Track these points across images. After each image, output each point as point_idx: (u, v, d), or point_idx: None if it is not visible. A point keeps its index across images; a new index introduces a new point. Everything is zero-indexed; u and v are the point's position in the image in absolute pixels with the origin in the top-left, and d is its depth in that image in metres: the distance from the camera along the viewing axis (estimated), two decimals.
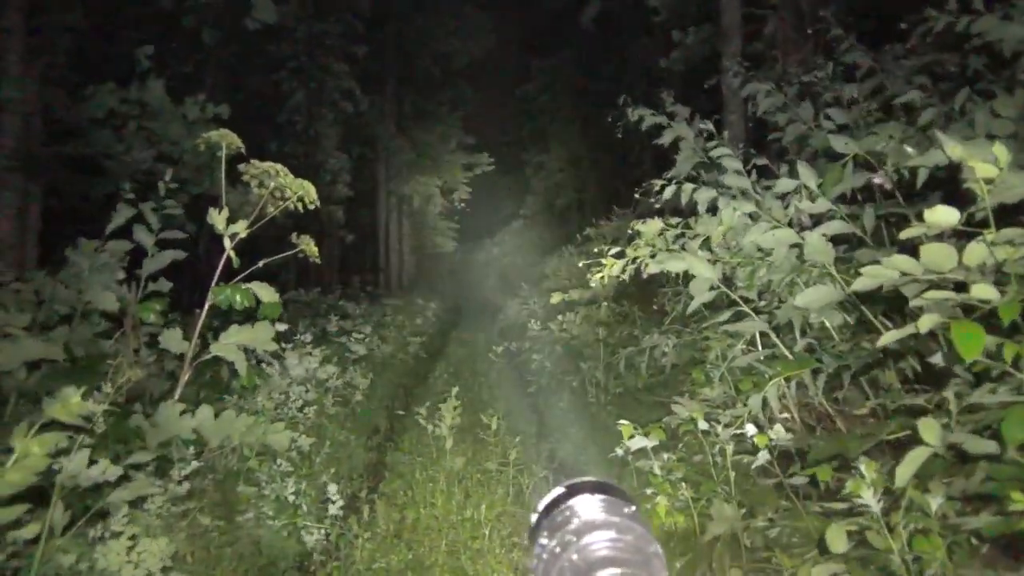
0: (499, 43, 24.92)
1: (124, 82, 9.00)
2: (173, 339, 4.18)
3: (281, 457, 4.18)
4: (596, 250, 5.14)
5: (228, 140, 4.19)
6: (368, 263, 25.39)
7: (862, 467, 1.84)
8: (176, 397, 3.91)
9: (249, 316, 4.38)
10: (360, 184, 24.19)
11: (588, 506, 0.51)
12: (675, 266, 3.96)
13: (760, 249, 3.98)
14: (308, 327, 8.52)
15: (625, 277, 4.64)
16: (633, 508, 0.52)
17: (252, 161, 4.24)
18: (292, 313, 9.82)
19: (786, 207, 3.92)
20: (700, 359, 5.00)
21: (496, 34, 24.29)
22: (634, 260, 4.56)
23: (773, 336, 3.68)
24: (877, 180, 3.51)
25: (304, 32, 14.21)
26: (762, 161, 5.02)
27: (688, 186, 4.32)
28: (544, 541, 0.50)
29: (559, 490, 0.54)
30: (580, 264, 4.99)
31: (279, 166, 4.30)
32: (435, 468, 4.67)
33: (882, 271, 2.00)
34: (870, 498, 1.80)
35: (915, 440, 1.85)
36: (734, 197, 4.13)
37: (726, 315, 3.92)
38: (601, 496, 0.53)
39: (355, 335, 8.15)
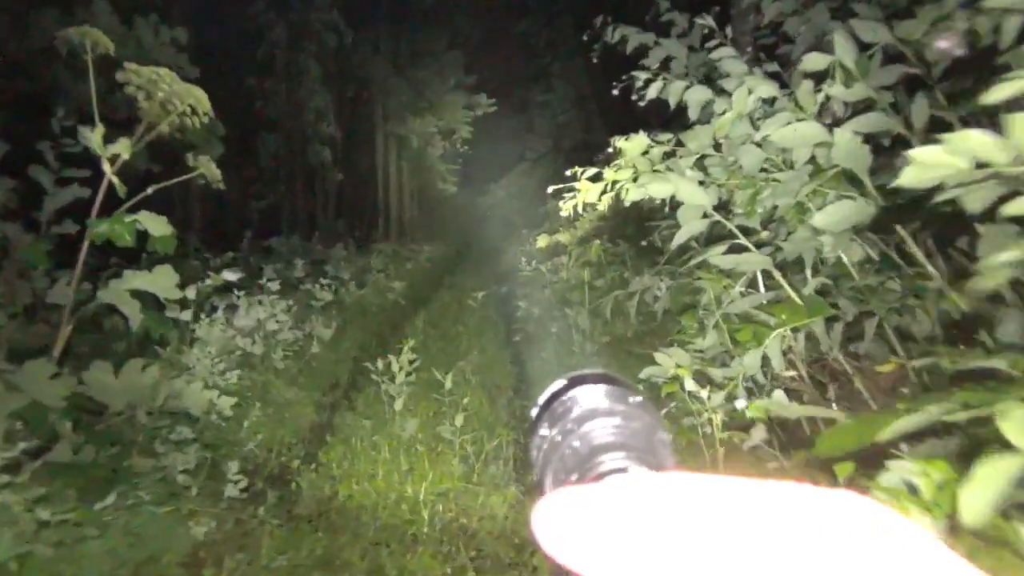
0: None
1: (69, 7, 8.12)
2: (60, 289, 3.51)
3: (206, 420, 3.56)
4: (568, 173, 4.40)
5: (93, 38, 3.41)
6: (367, 208, 24.60)
7: (917, 482, 1.15)
8: (55, 354, 3.26)
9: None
10: (356, 125, 23.26)
11: (591, 395, 0.46)
12: (659, 190, 3.21)
13: (764, 169, 3.23)
14: (279, 273, 7.88)
15: (602, 206, 3.91)
16: (639, 398, 0.46)
17: (130, 66, 3.47)
18: (259, 259, 9.15)
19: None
20: (694, 304, 4.29)
21: None
22: (612, 185, 3.82)
23: (778, 275, 2.96)
24: (943, 44, 2.69)
25: None
26: (772, 67, 4.21)
27: (678, 83, 3.53)
28: (544, 432, 0.46)
29: (560, 382, 0.48)
30: (549, 191, 4.22)
31: (163, 70, 3.52)
32: (384, 432, 4.02)
33: (944, 158, 1.26)
34: (927, 525, 1.11)
35: (987, 435, 1.16)
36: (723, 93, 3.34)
37: (719, 249, 3.19)
38: (605, 386, 0.47)
39: (322, 281, 7.45)
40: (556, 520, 0.31)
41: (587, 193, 3.76)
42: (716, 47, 3.88)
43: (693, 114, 3.60)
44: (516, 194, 30.48)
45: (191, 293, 4.76)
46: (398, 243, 18.05)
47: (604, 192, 3.73)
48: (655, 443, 0.45)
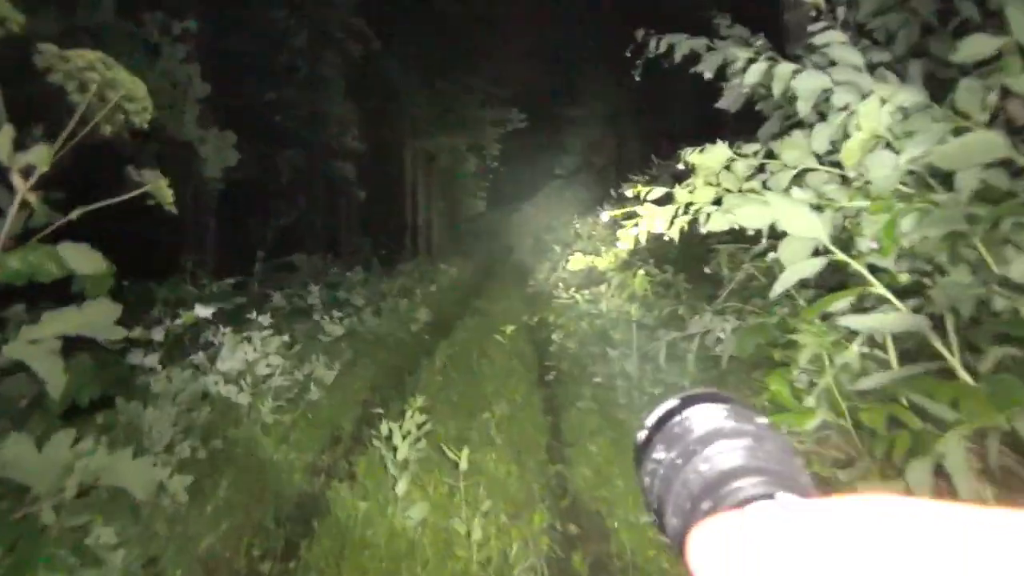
0: None
1: (71, 3, 7.52)
2: None
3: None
4: (630, 194, 3.54)
5: (3, 14, 2.61)
6: (394, 225, 23.97)
7: None
8: None
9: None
10: (383, 140, 22.67)
11: (712, 415, 0.43)
12: (753, 216, 2.33)
13: (903, 183, 2.34)
14: (288, 299, 7.14)
15: (672, 236, 3.05)
16: (766, 420, 0.42)
17: (49, 48, 2.67)
18: (270, 283, 8.41)
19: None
20: (778, 356, 3.37)
21: None
22: (686, 209, 2.95)
23: (938, 344, 2.05)
24: None
25: None
26: (883, 56, 3.30)
27: (786, 66, 2.67)
28: (659, 455, 0.43)
29: (672, 402, 0.46)
30: (608, 216, 3.36)
31: (98, 54, 2.71)
32: (385, 521, 3.16)
33: None
34: None
35: None
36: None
37: (842, 301, 2.29)
38: (725, 405, 0.44)
39: (333, 313, 6.65)
40: (718, 554, 0.28)
41: (653, 220, 2.90)
42: (822, 30, 3.00)
43: (804, 109, 2.71)
44: (545, 212, 29.74)
45: (158, 334, 3.97)
46: (425, 263, 17.33)
47: (675, 217, 2.86)
48: (795, 467, 0.40)
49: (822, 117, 3.21)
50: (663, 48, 4.45)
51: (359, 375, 5.95)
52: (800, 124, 3.41)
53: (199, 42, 12.19)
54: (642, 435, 0.46)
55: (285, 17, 12.79)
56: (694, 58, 4.10)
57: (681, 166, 3.08)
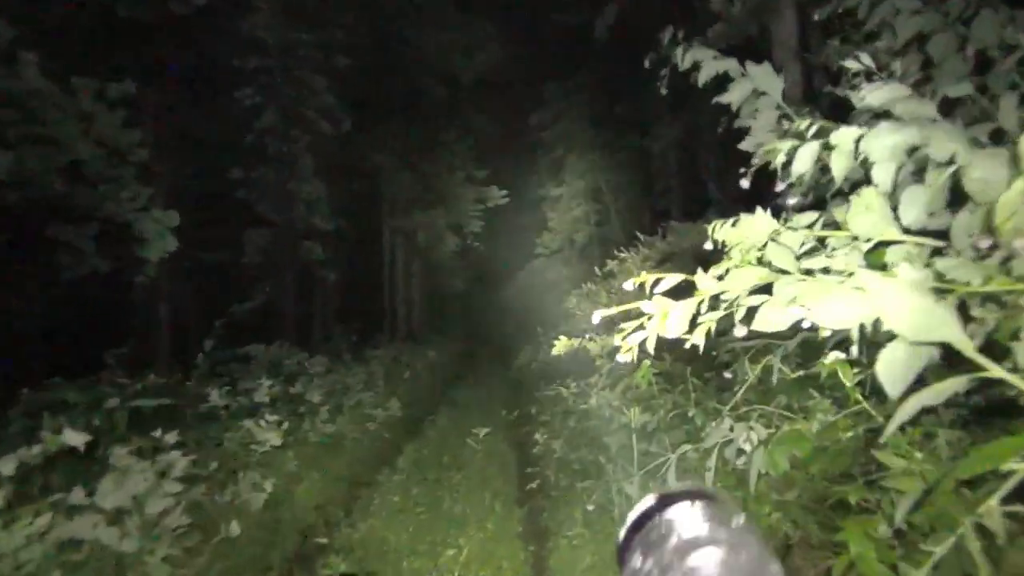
0: (507, 60, 22.64)
1: None
2: None
3: None
4: (630, 284, 2.64)
5: None
6: (372, 308, 23.06)
7: None
8: None
9: None
10: (359, 219, 22.02)
11: (688, 518, 0.43)
12: (840, 310, 1.48)
13: None
14: (228, 397, 6.15)
15: (696, 339, 2.17)
16: (742, 518, 0.43)
17: None
18: (210, 379, 7.40)
19: None
20: (854, 495, 2.46)
21: (504, 49, 22.06)
22: (714, 302, 2.07)
23: None
24: None
25: (276, 41, 12.11)
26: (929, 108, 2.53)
27: (847, 131, 1.85)
28: (637, 564, 0.42)
29: (649, 500, 0.46)
30: (602, 313, 2.44)
31: None
32: None
33: None
34: None
35: None
36: None
37: (1010, 445, 1.42)
38: (703, 504, 0.44)
39: (266, 417, 5.62)
40: None
41: (665, 320, 2.04)
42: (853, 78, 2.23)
43: (884, 177, 1.88)
44: (527, 291, 29.06)
45: (8, 467, 2.99)
46: (402, 346, 16.36)
47: (698, 316, 1.99)
48: None
49: (854, 187, 2.41)
50: (688, 63, 3.73)
51: (300, 494, 4.91)
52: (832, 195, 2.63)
53: (158, 116, 11.59)
54: (620, 536, 0.45)
55: (251, 94, 12.22)
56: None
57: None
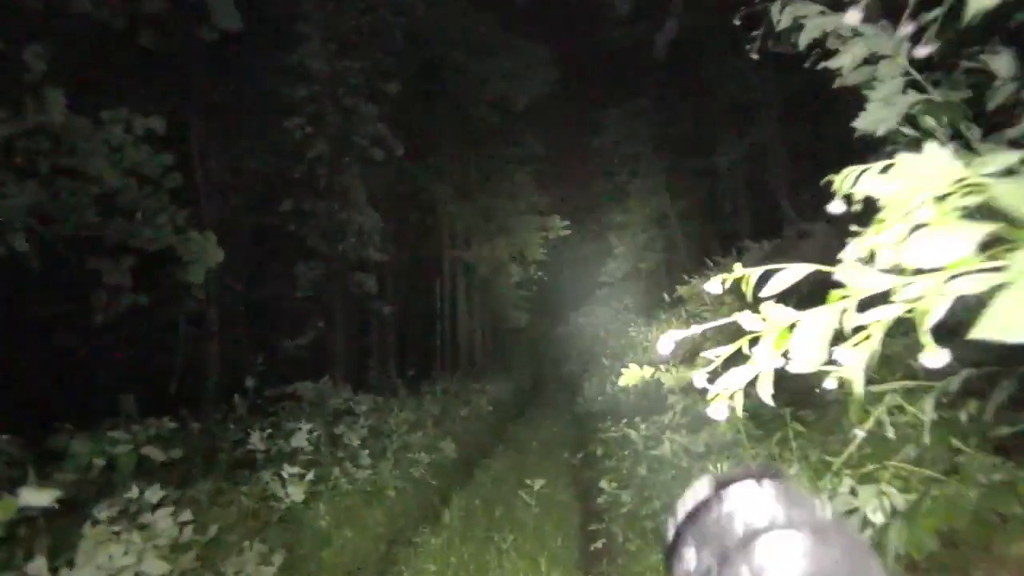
0: (563, 83, 22.01)
1: (18, 101, 6.53)
2: None
3: None
4: (715, 282, 1.85)
5: None
6: (430, 342, 22.59)
7: None
8: None
9: None
10: (417, 251, 21.68)
11: (756, 500, 0.33)
12: None
13: None
14: (267, 442, 5.57)
15: (851, 367, 1.38)
16: (828, 508, 0.33)
17: None
18: (246, 418, 6.86)
19: None
20: None
21: (559, 72, 21.48)
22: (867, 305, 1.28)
23: None
24: None
25: (324, 69, 11.86)
26: None
27: None
28: (690, 562, 0.33)
29: (704, 486, 0.36)
30: (674, 337, 1.59)
31: None
32: None
33: None
34: None
35: None
36: None
37: None
38: (773, 484, 0.34)
39: (287, 469, 4.96)
40: None
41: (786, 345, 1.26)
42: None
43: None
44: (593, 321, 28.18)
45: None
46: (460, 382, 15.73)
47: (861, 330, 1.21)
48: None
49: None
50: (787, 22, 3.04)
51: (327, 558, 4.21)
52: None
53: (203, 149, 11.43)
54: (670, 530, 0.37)
55: (301, 124, 11.96)
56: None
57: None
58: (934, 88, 2.94)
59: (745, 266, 1.39)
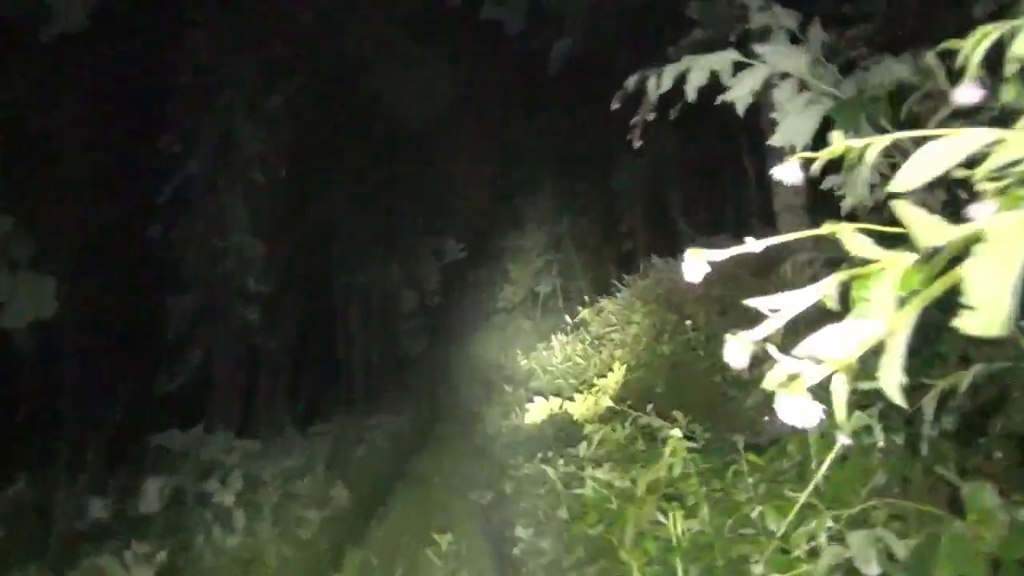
0: (461, 99, 21.38)
1: None
2: None
3: None
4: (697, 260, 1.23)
5: None
6: (323, 374, 21.32)
7: None
8: None
9: None
10: (308, 280, 20.46)
11: None
12: None
13: None
14: (109, 509, 4.59)
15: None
16: None
17: None
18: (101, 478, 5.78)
19: None
20: None
21: (458, 87, 20.87)
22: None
23: None
24: None
25: (196, 80, 10.78)
26: None
27: None
28: None
29: None
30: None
31: None
32: None
33: None
34: None
35: None
36: None
37: None
38: None
39: (136, 544, 4.03)
40: None
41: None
42: None
43: None
44: (494, 347, 27.63)
45: None
46: (355, 416, 14.71)
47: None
48: None
49: None
50: (668, 84, 3.07)
51: None
52: None
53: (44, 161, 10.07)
54: None
55: (175, 141, 10.81)
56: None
57: None
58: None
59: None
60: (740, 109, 3.15)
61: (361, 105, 18.82)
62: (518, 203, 25.63)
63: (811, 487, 2.62)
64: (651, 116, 4.05)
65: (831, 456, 2.63)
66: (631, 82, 3.42)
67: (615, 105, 3.82)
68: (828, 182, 3.31)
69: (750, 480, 2.76)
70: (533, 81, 18.46)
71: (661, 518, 2.94)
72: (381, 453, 11.12)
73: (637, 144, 4.48)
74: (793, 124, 2.89)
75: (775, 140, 3.05)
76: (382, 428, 13.00)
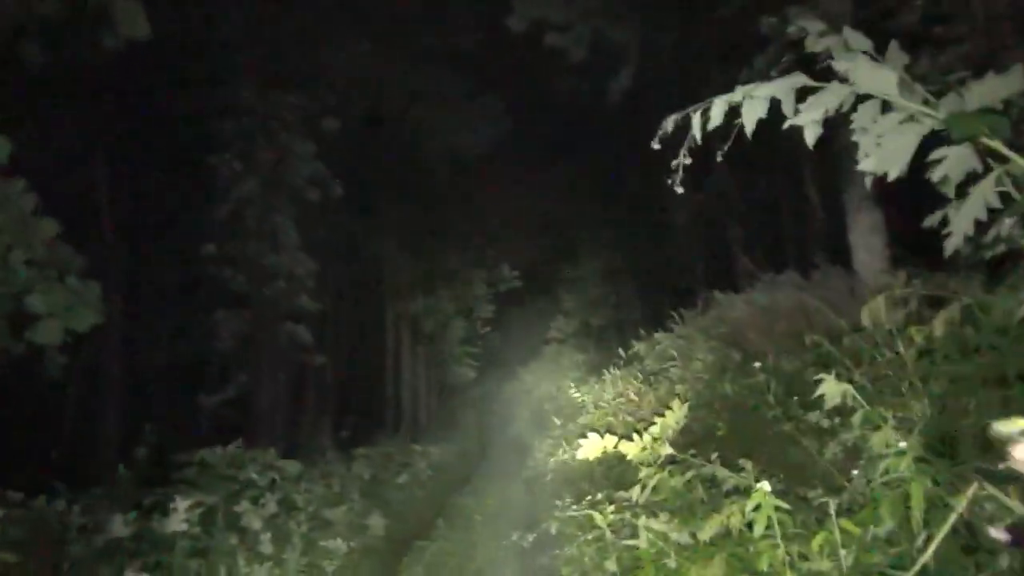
0: (513, 135, 21.30)
1: None
2: None
3: None
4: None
5: None
6: (371, 399, 21.20)
7: None
8: None
9: None
10: (361, 304, 20.49)
11: None
12: None
13: None
14: (134, 526, 4.38)
15: None
16: None
17: None
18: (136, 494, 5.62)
19: None
20: None
21: (510, 124, 20.82)
22: None
23: None
24: None
25: (255, 102, 10.89)
26: None
27: None
28: None
29: None
30: None
31: None
32: None
33: None
34: None
35: None
36: None
37: None
38: None
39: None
40: None
41: None
42: None
43: None
44: (545, 378, 27.17)
45: None
46: (403, 442, 14.47)
47: None
48: None
49: None
50: (718, 118, 2.71)
51: None
52: None
53: (110, 182, 10.23)
54: None
55: (229, 161, 10.89)
56: None
57: None
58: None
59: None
60: (810, 137, 2.76)
61: (417, 134, 18.95)
62: (572, 235, 25.38)
63: (918, 568, 2.18)
64: (687, 160, 3.70)
65: (944, 529, 2.19)
66: (669, 122, 3.02)
67: (655, 145, 3.43)
68: (928, 221, 2.86)
69: (843, 552, 2.31)
70: (586, 117, 18.29)
71: None
72: (425, 482, 10.80)
73: (679, 190, 4.16)
74: (888, 146, 2.47)
75: (866, 165, 2.61)
76: (427, 457, 12.69)
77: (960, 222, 2.34)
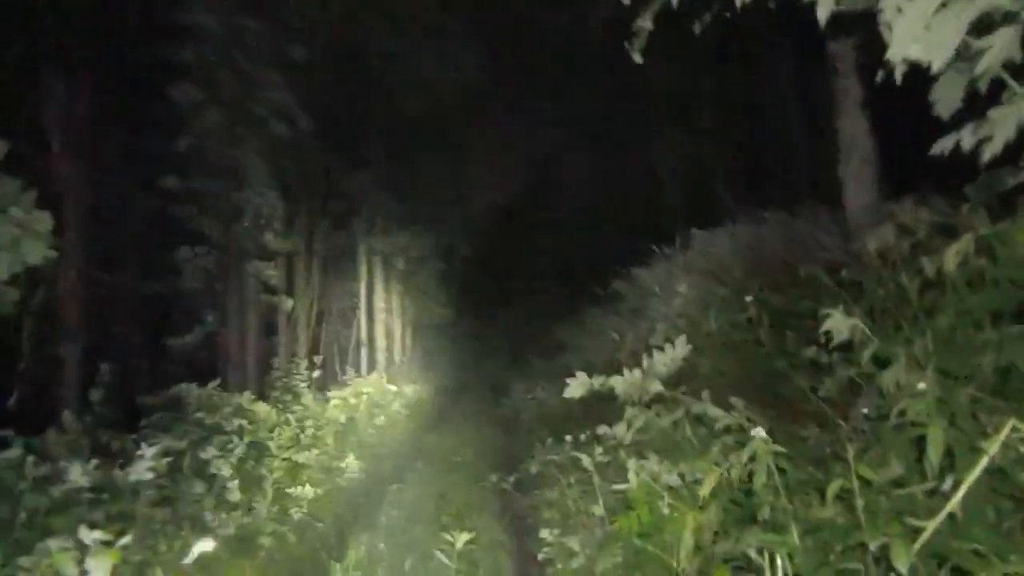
0: (492, 72, 20.55)
1: None
2: None
3: None
4: None
5: None
6: (345, 340, 20.90)
7: None
8: None
9: None
10: (336, 242, 19.99)
11: None
12: None
13: None
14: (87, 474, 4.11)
15: None
16: None
17: None
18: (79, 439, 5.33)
19: None
20: None
21: (487, 54, 20.05)
22: None
23: None
24: None
25: (216, 28, 10.20)
26: None
27: None
28: None
29: None
30: None
31: None
32: None
33: None
34: None
35: None
36: None
37: None
38: None
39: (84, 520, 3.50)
40: None
41: None
42: None
43: None
44: (520, 318, 27.19)
45: None
46: (375, 382, 14.28)
47: None
48: None
49: None
50: None
51: None
52: None
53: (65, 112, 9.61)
54: None
55: (190, 91, 10.21)
56: None
57: None
58: None
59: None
60: (822, 13, 2.45)
61: (391, 65, 18.15)
62: (550, 174, 24.95)
63: (944, 513, 1.98)
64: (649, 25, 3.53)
65: (974, 474, 1.98)
66: None
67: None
68: (938, 146, 2.58)
69: (860, 501, 2.10)
70: (572, 48, 17.61)
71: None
72: (400, 423, 10.67)
73: (638, 58, 3.89)
74: (932, 29, 2.11)
75: (901, 53, 2.25)
76: (404, 398, 12.55)
77: (1004, 126, 2.07)
